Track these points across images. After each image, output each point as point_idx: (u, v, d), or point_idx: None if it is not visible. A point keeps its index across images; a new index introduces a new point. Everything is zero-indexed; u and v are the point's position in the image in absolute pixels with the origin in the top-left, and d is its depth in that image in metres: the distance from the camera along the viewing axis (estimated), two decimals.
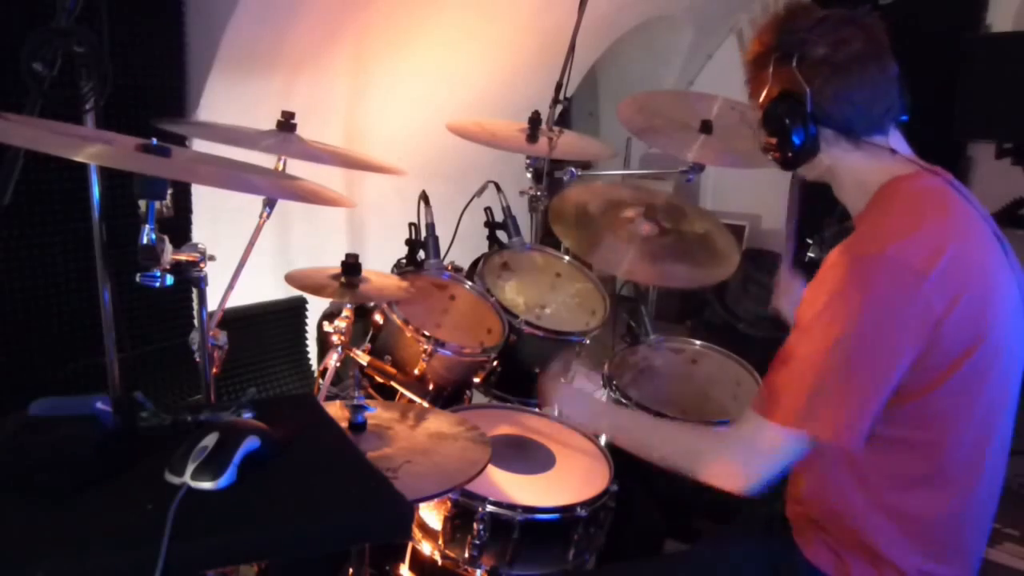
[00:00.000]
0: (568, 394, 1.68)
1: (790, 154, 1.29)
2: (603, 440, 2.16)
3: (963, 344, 1.17)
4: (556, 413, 1.70)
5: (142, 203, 1.17)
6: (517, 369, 2.11)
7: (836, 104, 1.25)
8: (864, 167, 1.30)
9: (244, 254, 1.86)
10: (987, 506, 1.29)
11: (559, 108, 2.54)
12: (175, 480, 1.07)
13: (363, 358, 1.94)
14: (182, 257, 1.30)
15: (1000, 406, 1.25)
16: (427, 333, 1.92)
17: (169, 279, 1.25)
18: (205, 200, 2.61)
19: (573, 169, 2.48)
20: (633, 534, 1.91)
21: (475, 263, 2.27)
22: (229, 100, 2.65)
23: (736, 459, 1.26)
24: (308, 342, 3.09)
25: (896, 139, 1.31)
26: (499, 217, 2.35)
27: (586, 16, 2.55)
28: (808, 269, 1.99)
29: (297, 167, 1.80)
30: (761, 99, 1.31)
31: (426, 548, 1.69)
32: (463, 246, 2.35)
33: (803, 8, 1.30)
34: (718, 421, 2.04)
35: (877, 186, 1.28)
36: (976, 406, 1.22)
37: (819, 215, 1.43)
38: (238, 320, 2.73)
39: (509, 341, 2.05)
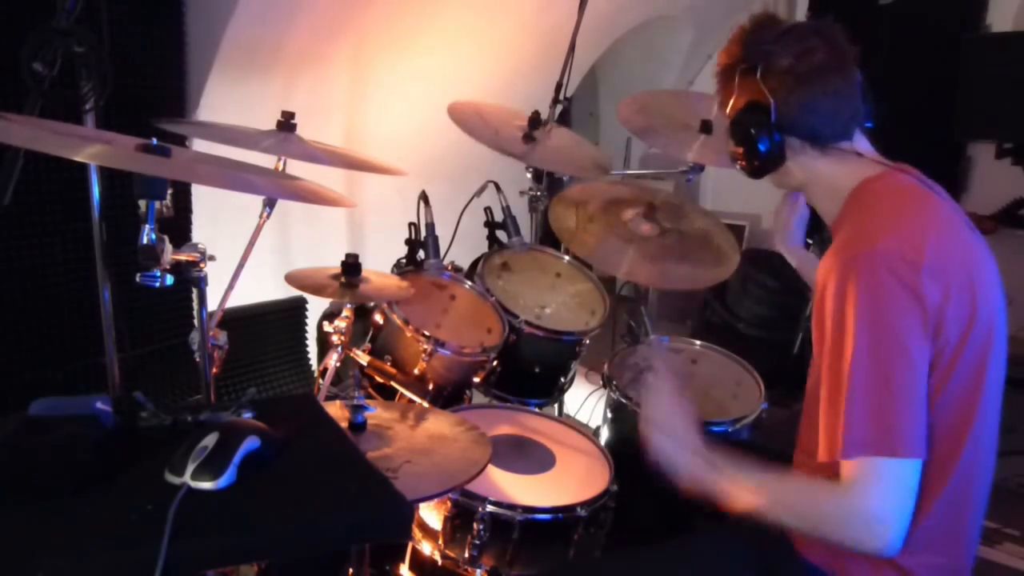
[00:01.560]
0: (665, 447, 1.38)
1: (756, 163, 1.33)
2: (603, 440, 2.17)
3: (960, 330, 1.18)
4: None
5: (142, 203, 1.17)
6: (517, 369, 2.11)
7: (801, 113, 1.28)
8: (833, 172, 1.32)
9: (244, 254, 1.86)
10: (984, 494, 1.29)
11: (559, 108, 2.54)
12: (175, 480, 1.07)
13: (363, 358, 1.94)
14: (182, 257, 1.30)
15: (995, 391, 1.26)
16: (427, 333, 1.92)
17: (169, 279, 1.25)
18: (205, 200, 2.61)
19: (567, 173, 2.48)
20: (634, 534, 1.91)
21: (475, 263, 2.27)
22: (229, 100, 2.65)
23: (856, 523, 1.16)
24: (308, 342, 3.09)
25: (861, 142, 1.34)
26: (499, 217, 2.35)
27: (586, 16, 2.55)
28: None
29: (297, 167, 1.80)
30: (728, 110, 1.35)
31: (426, 548, 1.69)
32: (463, 246, 2.35)
33: (769, 21, 1.33)
34: (716, 422, 2.04)
35: (848, 190, 1.30)
36: (980, 395, 1.22)
37: (818, 215, 1.43)
38: (238, 320, 2.72)
39: (509, 341, 2.05)
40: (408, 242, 2.22)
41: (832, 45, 1.28)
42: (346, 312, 1.90)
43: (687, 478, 1.31)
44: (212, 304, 1.46)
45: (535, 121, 2.35)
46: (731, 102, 1.34)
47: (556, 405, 2.41)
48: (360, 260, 1.83)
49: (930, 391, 1.18)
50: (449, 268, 2.18)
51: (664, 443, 1.35)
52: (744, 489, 1.27)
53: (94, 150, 1.15)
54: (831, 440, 1.17)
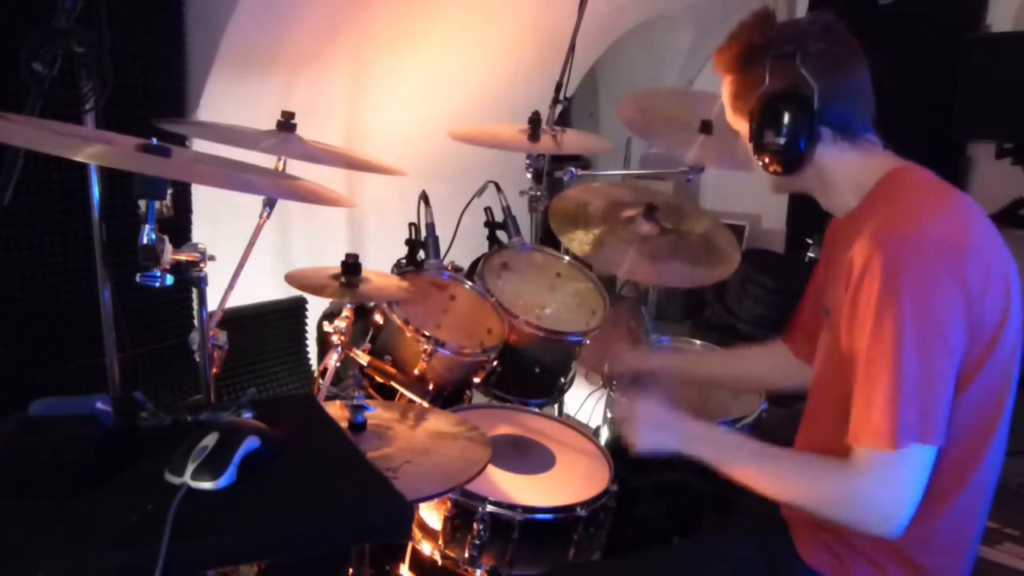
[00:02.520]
0: (649, 414, 1.37)
1: (791, 155, 1.25)
2: (603, 440, 2.17)
3: (995, 321, 1.17)
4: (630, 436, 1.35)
5: (142, 203, 1.17)
6: (517, 369, 2.11)
7: (838, 101, 1.23)
8: (860, 164, 1.28)
9: (244, 254, 1.86)
10: (988, 495, 1.28)
11: (559, 108, 2.54)
12: (175, 480, 1.07)
13: (363, 358, 1.94)
14: (182, 257, 1.30)
15: (1011, 388, 1.25)
16: (427, 333, 1.92)
17: (169, 279, 1.25)
18: (205, 200, 2.61)
19: (573, 169, 2.49)
20: (638, 531, 1.91)
21: (475, 263, 2.27)
22: (229, 100, 2.65)
23: (871, 502, 1.16)
24: (308, 342, 3.09)
25: (875, 137, 1.32)
26: (499, 217, 2.35)
27: (586, 16, 2.55)
28: (807, 269, 1.99)
29: (297, 167, 1.80)
30: (753, 98, 1.26)
31: (426, 548, 1.69)
32: (463, 246, 2.35)
33: (770, 15, 1.28)
34: (720, 421, 2.04)
35: (874, 181, 1.27)
36: (1008, 393, 1.22)
37: (819, 215, 1.42)
38: (238, 320, 2.72)
39: (509, 341, 2.05)
40: (408, 242, 2.22)
41: (847, 36, 1.26)
42: (346, 312, 1.90)
43: (680, 444, 1.31)
44: (212, 304, 1.46)
45: (535, 123, 2.35)
46: (757, 90, 1.25)
47: (556, 405, 2.41)
48: (360, 260, 1.83)
49: (959, 384, 1.16)
50: (449, 268, 2.18)
51: (655, 435, 1.34)
52: (750, 459, 1.27)
53: (94, 150, 1.15)
54: (868, 425, 1.14)
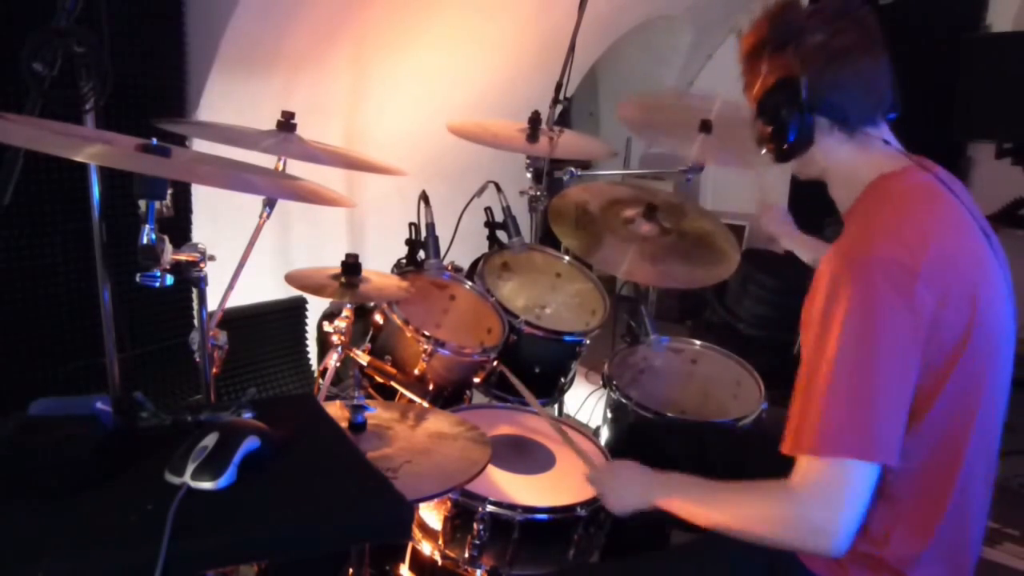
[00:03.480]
0: (613, 473, 1.49)
1: (785, 144, 1.29)
2: (603, 440, 2.17)
3: (956, 336, 1.17)
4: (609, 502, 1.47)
5: (142, 203, 1.17)
6: (517, 369, 2.11)
7: (832, 91, 1.25)
8: (855, 160, 1.30)
9: (244, 254, 1.86)
10: (987, 498, 1.29)
11: (559, 108, 2.54)
12: (175, 480, 1.07)
13: (363, 358, 1.94)
14: (182, 257, 1.30)
15: (999, 399, 1.25)
16: (427, 333, 1.92)
17: (169, 279, 1.25)
18: (205, 200, 2.61)
19: (573, 169, 2.48)
20: (638, 531, 1.91)
21: (475, 263, 2.27)
22: (229, 100, 2.65)
23: (807, 518, 1.16)
24: (308, 342, 3.09)
25: (886, 133, 1.32)
26: (499, 217, 2.35)
27: (586, 16, 2.55)
28: (807, 269, 1.99)
29: (297, 167, 1.80)
30: (755, 90, 1.31)
31: (426, 548, 1.69)
32: (463, 246, 2.35)
33: (793, 3, 1.31)
34: (719, 421, 2.04)
35: (865, 183, 1.28)
36: (979, 402, 1.21)
37: (819, 215, 1.43)
38: (238, 320, 2.73)
39: (509, 341, 2.05)
40: (408, 242, 2.22)
41: (862, 26, 1.26)
42: (346, 312, 1.90)
43: (642, 496, 1.39)
44: (212, 304, 1.46)
45: (535, 122, 2.35)
46: (759, 82, 1.29)
47: (556, 405, 2.41)
48: (360, 260, 1.83)
49: (923, 398, 1.17)
50: (449, 268, 2.18)
51: (628, 497, 1.43)
52: (703, 508, 1.31)
53: (94, 150, 1.15)
54: (800, 433, 1.16)
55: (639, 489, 1.41)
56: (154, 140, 1.23)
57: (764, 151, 1.34)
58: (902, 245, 1.17)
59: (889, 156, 1.30)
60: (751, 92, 1.33)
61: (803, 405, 1.18)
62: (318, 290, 1.80)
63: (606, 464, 1.48)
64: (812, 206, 1.48)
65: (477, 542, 1.60)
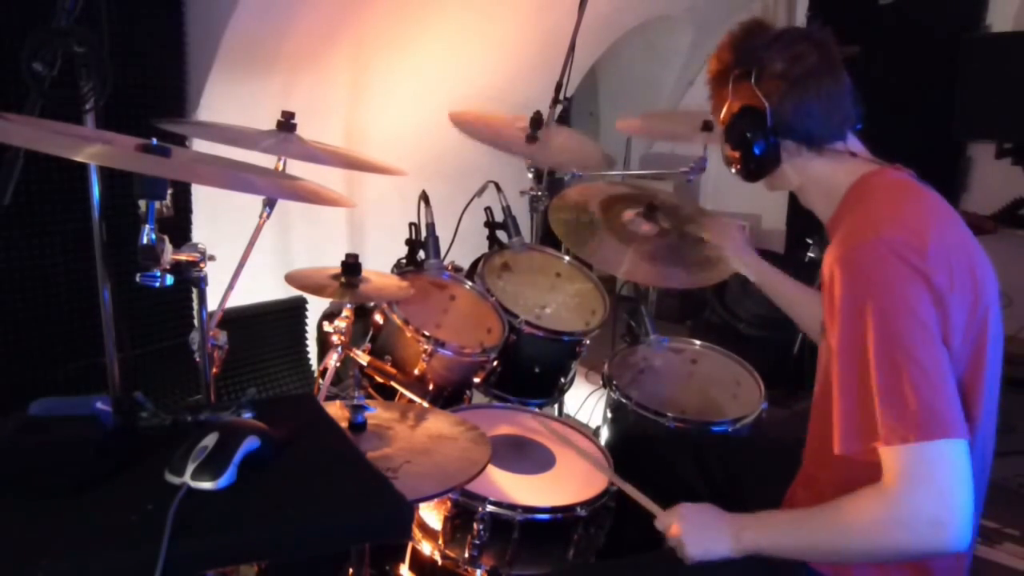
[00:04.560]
0: (689, 519, 1.32)
1: (752, 166, 1.35)
2: (603, 440, 2.17)
3: (964, 319, 1.17)
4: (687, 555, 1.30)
5: (142, 203, 1.17)
6: (517, 369, 2.11)
7: (795, 116, 1.30)
8: (829, 172, 1.34)
9: (244, 254, 1.86)
10: (982, 486, 1.28)
11: (559, 108, 2.54)
12: (175, 480, 1.07)
13: (363, 358, 1.94)
14: (182, 257, 1.30)
15: (992, 387, 1.25)
16: (427, 333, 1.92)
17: (169, 279, 1.25)
18: (205, 200, 2.61)
19: (573, 169, 2.48)
20: (638, 531, 1.91)
21: (475, 263, 2.27)
22: (229, 100, 2.65)
23: (915, 512, 1.10)
24: (308, 342, 3.09)
25: (854, 143, 1.35)
26: (499, 217, 2.35)
27: (586, 16, 2.55)
28: (808, 269, 1.99)
29: (297, 167, 1.80)
30: (722, 115, 1.36)
31: (426, 548, 1.69)
32: (463, 246, 2.35)
33: (759, 26, 1.34)
34: (716, 422, 2.04)
35: (846, 187, 1.31)
36: (979, 388, 1.21)
37: (818, 222, 1.43)
38: (238, 320, 2.73)
39: (509, 341, 2.05)
40: (408, 242, 2.22)
41: (822, 49, 1.30)
42: (346, 312, 1.90)
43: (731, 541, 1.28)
44: (212, 304, 1.46)
45: (536, 121, 2.35)
46: (725, 107, 1.36)
47: (556, 405, 2.41)
48: (360, 260, 1.83)
49: None
50: (449, 268, 2.18)
51: (704, 541, 1.30)
52: (802, 540, 1.23)
53: (94, 150, 1.15)
54: (870, 428, 1.12)
55: (725, 536, 1.28)
56: (154, 140, 1.23)
57: (733, 171, 1.40)
58: (906, 227, 1.18)
59: (861, 163, 1.33)
60: (718, 115, 1.39)
61: (859, 399, 1.13)
62: (318, 290, 1.80)
63: (677, 509, 1.33)
64: (812, 213, 1.48)
65: (477, 542, 1.60)
